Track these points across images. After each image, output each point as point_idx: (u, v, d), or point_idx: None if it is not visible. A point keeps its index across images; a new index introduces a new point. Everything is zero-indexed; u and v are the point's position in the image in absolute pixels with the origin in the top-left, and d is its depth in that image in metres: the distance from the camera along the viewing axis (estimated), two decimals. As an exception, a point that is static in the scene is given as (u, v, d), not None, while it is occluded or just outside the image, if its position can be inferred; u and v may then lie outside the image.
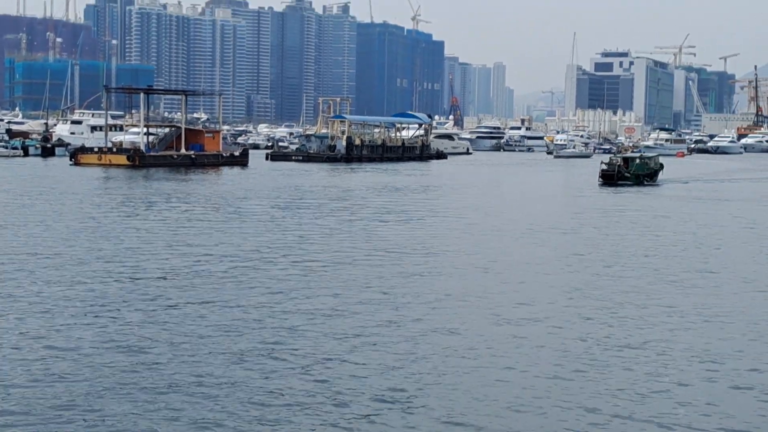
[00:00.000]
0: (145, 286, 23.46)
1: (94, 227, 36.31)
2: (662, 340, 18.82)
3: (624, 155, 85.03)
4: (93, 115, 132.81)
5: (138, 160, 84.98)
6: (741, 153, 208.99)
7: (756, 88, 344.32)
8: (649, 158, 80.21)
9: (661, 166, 78.77)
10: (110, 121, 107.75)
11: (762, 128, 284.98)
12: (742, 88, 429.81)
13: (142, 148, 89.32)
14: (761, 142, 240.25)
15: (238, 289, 23.31)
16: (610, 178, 72.27)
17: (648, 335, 19.27)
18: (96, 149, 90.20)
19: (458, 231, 38.39)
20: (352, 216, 43.51)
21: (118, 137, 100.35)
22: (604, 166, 74.52)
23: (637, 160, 76.73)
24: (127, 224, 37.71)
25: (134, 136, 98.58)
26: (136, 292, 22.72)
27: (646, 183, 73.24)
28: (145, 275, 25.16)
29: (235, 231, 36.13)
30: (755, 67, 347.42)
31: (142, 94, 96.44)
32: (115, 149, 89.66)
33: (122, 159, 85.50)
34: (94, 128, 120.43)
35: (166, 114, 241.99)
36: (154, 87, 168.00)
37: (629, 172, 73.26)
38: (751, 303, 23.24)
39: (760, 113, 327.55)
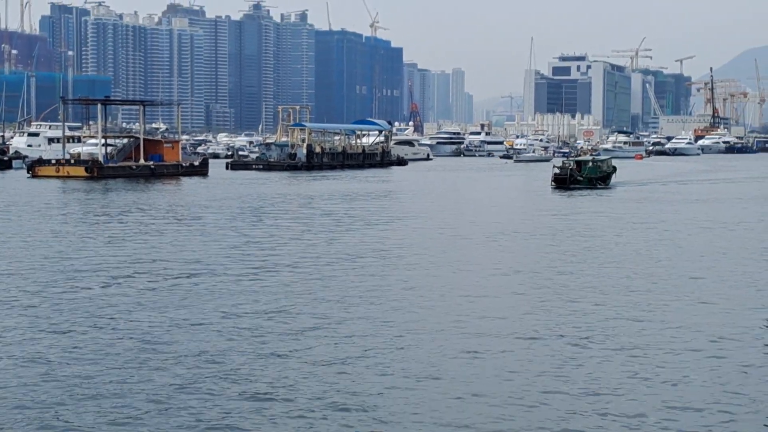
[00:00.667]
0: (108, 296, 23.68)
1: (53, 239, 36.34)
2: (626, 336, 19.40)
3: (577, 158, 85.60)
4: (50, 126, 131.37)
5: (96, 171, 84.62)
6: (699, 154, 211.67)
7: (712, 89, 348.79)
8: (602, 161, 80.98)
9: (614, 169, 79.49)
10: (68, 133, 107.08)
11: (719, 129, 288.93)
12: (698, 90, 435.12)
13: (101, 159, 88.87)
14: (718, 143, 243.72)
15: (200, 297, 23.59)
16: (563, 181, 72.54)
17: (610, 332, 19.80)
18: (54, 161, 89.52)
19: (418, 236, 38.85)
20: (314, 223, 43.85)
21: (75, 149, 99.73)
22: (557, 170, 74.78)
23: (590, 164, 77.10)
24: (87, 236, 37.75)
25: (92, 147, 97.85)
26: (98, 301, 22.94)
27: (599, 186, 73.50)
28: (106, 286, 25.37)
29: (196, 240, 36.30)
30: (711, 69, 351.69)
31: (99, 105, 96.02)
32: (73, 161, 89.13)
33: (80, 170, 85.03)
34: (51, 140, 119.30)
35: (124, 124, 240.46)
36: (112, 98, 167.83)
37: (582, 176, 73.46)
38: (709, 296, 23.92)
39: (716, 115, 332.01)
